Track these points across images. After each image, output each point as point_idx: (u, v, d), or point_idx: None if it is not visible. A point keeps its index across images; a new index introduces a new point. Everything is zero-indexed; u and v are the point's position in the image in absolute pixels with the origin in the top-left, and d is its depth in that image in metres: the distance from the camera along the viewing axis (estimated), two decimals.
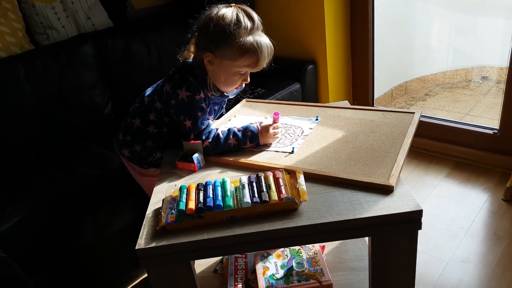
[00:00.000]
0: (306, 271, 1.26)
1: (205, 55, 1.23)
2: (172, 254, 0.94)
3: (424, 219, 1.82)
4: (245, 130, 1.25)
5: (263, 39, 1.21)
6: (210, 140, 1.23)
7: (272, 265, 1.30)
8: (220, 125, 1.38)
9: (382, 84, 2.92)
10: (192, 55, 1.32)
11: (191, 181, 1.15)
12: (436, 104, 3.09)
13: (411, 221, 0.94)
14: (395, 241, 0.98)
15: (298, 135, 1.29)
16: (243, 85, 1.33)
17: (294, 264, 1.29)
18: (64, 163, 1.79)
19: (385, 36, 2.75)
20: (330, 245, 1.43)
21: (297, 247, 1.36)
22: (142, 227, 0.99)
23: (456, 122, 2.34)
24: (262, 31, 1.23)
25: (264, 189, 1.00)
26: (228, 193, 1.01)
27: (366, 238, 1.33)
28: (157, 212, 1.04)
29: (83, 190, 1.62)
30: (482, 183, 2.06)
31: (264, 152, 1.23)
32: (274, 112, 1.32)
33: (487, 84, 3.28)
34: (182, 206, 0.98)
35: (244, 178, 1.06)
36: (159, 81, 1.37)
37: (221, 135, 1.24)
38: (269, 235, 0.93)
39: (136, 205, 1.62)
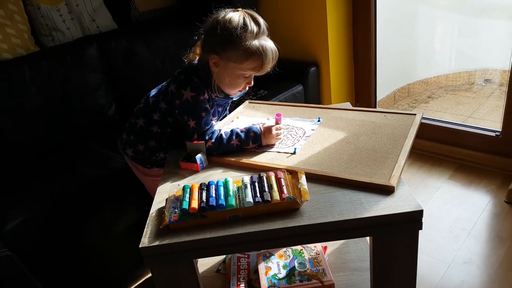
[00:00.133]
0: (308, 271, 1.27)
1: (211, 57, 1.25)
2: (175, 253, 0.95)
3: (426, 221, 1.85)
4: (248, 131, 1.26)
5: (269, 44, 1.23)
6: (213, 140, 1.25)
7: (275, 265, 1.31)
8: (223, 126, 1.39)
9: (385, 86, 2.93)
10: (198, 57, 1.33)
11: (194, 181, 1.16)
12: (439, 106, 3.09)
13: (412, 221, 0.95)
14: (396, 241, 0.98)
15: (300, 136, 1.30)
16: (247, 88, 1.34)
17: (296, 264, 1.30)
18: (68, 163, 1.81)
19: (387, 38, 2.76)
20: (332, 246, 1.44)
21: (299, 248, 1.37)
22: (146, 226, 1.00)
23: (458, 124, 2.35)
24: (268, 35, 1.26)
25: (266, 189, 1.01)
26: (231, 192, 1.02)
27: (368, 239, 1.34)
28: (161, 211, 1.05)
29: (87, 190, 1.64)
30: (484, 185, 2.07)
31: (266, 153, 1.24)
32: (276, 113, 1.33)
33: (490, 86, 3.28)
34: (185, 205, 0.99)
35: (247, 178, 1.07)
36: (164, 83, 1.39)
37: (224, 136, 1.25)
38: (271, 235, 0.94)
39: (139, 205, 1.63)
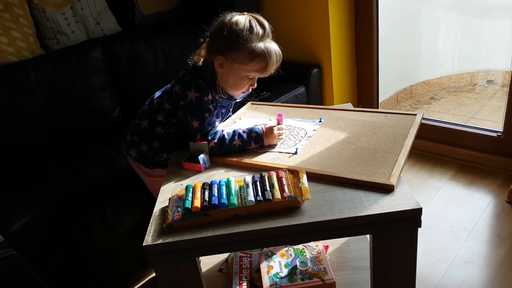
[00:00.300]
0: (309, 270, 1.29)
1: (216, 58, 1.27)
2: (178, 251, 0.97)
3: (428, 221, 1.86)
4: (250, 131, 1.28)
5: (273, 46, 1.26)
6: (215, 141, 1.27)
7: (276, 264, 1.33)
8: (225, 127, 1.41)
9: (387, 87, 2.94)
10: (202, 59, 1.36)
11: (197, 180, 1.18)
12: (442, 107, 3.10)
13: (411, 219, 0.96)
14: (395, 239, 1.00)
15: (301, 137, 1.32)
16: (250, 89, 1.37)
17: (298, 263, 1.31)
18: (73, 164, 1.83)
19: (389, 40, 2.77)
20: (333, 245, 1.45)
21: (300, 247, 1.38)
22: (149, 225, 1.02)
23: (460, 125, 2.36)
24: (272, 38, 1.28)
25: (268, 188, 1.03)
26: (233, 192, 1.04)
27: (368, 238, 1.35)
28: (164, 210, 1.07)
29: (92, 191, 1.66)
30: (486, 185, 2.08)
31: (268, 153, 1.26)
32: (278, 114, 1.35)
33: (493, 87, 3.28)
34: (188, 204, 1.01)
35: (248, 177, 1.09)
36: (168, 85, 1.41)
37: (226, 136, 1.27)
38: (272, 233, 0.96)
39: (142, 205, 1.65)
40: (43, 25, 2.07)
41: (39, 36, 2.07)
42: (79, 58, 2.04)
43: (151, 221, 1.04)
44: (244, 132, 1.28)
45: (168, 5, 2.52)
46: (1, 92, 1.82)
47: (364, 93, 2.62)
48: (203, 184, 1.08)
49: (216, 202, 1.00)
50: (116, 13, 2.29)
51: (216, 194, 1.03)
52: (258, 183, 1.06)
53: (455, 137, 2.30)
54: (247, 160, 1.22)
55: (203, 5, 2.43)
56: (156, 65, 2.28)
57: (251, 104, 1.63)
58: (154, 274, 1.80)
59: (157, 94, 1.41)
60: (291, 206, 1.00)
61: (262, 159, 1.23)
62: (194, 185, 1.08)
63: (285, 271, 1.30)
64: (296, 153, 1.23)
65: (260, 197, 1.01)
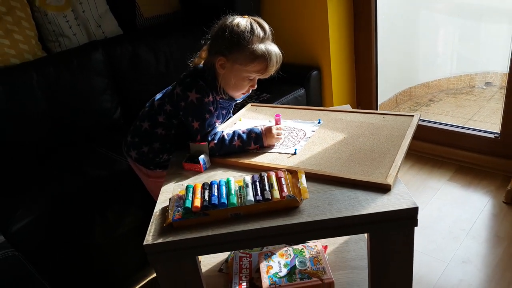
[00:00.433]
0: (308, 269, 1.30)
1: (217, 59, 1.30)
2: (178, 250, 0.98)
3: (426, 221, 1.87)
4: (250, 132, 1.30)
5: (273, 48, 1.29)
6: (215, 141, 1.28)
7: (276, 264, 1.34)
8: (225, 128, 1.43)
9: (386, 89, 2.96)
10: (203, 61, 1.38)
11: (197, 181, 1.19)
12: (440, 109, 3.12)
13: (408, 217, 0.97)
14: (392, 237, 1.01)
15: (300, 138, 1.33)
16: (250, 91, 1.38)
17: (297, 263, 1.33)
18: (74, 165, 1.84)
19: (389, 42, 2.79)
20: (332, 245, 1.47)
21: (300, 247, 1.40)
22: (150, 224, 1.04)
23: (458, 126, 2.37)
24: (273, 40, 1.31)
25: (267, 188, 1.05)
26: (232, 191, 1.06)
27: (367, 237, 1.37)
28: (164, 210, 1.08)
29: (92, 191, 1.67)
30: (483, 186, 2.09)
31: (268, 153, 1.27)
32: (276, 114, 1.37)
33: (491, 89, 3.30)
34: (188, 204, 1.03)
35: (248, 177, 1.11)
36: (168, 87, 1.43)
37: (226, 137, 1.29)
38: (271, 232, 0.98)
39: (142, 206, 1.66)
40: (45, 27, 2.08)
41: (41, 39, 2.09)
42: (81, 60, 2.06)
43: (151, 220, 1.05)
44: (243, 132, 1.30)
45: (169, 8, 2.54)
46: (3, 94, 1.83)
47: (364, 95, 2.64)
48: (203, 184, 1.09)
49: (216, 202, 1.02)
50: (117, 16, 2.31)
51: (216, 194, 1.05)
52: (257, 183, 1.07)
53: (454, 139, 2.31)
54: (246, 161, 1.24)
55: (203, 8, 2.45)
56: (157, 67, 2.29)
57: (251, 105, 1.65)
58: (154, 275, 1.81)
59: (158, 96, 1.43)
60: (290, 205, 1.01)
61: (262, 159, 1.24)
62: (194, 185, 1.09)
63: (284, 271, 1.31)
64: (295, 153, 1.24)
65: (259, 197, 1.02)
